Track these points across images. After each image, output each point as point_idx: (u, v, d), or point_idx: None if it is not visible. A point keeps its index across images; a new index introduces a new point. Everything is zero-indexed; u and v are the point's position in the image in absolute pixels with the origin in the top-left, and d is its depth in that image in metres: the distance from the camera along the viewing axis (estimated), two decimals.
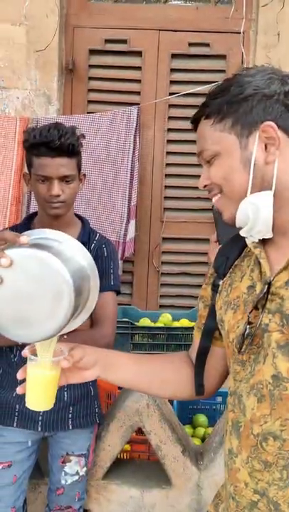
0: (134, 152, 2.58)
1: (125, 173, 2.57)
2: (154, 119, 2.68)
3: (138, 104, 2.60)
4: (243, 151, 0.81)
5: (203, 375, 0.96)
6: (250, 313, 0.81)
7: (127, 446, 1.98)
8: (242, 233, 0.85)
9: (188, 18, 2.61)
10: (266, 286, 0.80)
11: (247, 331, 0.80)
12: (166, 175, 2.71)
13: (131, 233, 2.62)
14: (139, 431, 1.84)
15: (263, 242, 0.87)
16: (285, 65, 2.47)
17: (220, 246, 1.04)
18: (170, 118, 2.66)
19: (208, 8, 2.64)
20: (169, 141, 2.68)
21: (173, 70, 2.64)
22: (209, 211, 2.69)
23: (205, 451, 1.83)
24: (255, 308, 0.81)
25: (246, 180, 0.81)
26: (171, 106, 2.65)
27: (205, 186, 0.88)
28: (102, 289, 1.61)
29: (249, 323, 0.81)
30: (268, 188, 0.80)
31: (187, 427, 2.21)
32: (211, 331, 0.95)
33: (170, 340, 2.40)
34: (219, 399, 2.29)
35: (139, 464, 1.97)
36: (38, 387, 0.85)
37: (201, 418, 2.25)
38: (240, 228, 0.85)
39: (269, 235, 0.83)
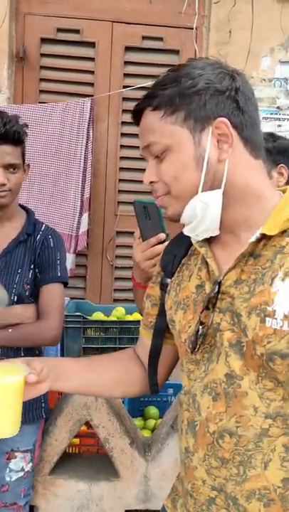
0: (87, 144, 2.55)
1: (78, 166, 2.54)
2: (107, 112, 2.66)
3: (91, 95, 2.58)
4: (196, 146, 0.78)
5: (157, 374, 0.95)
6: (201, 313, 0.80)
7: (76, 440, 1.96)
8: (186, 231, 0.83)
9: (142, 11, 2.61)
10: (216, 286, 0.79)
11: (199, 332, 0.79)
12: (120, 168, 2.70)
13: (84, 226, 2.60)
14: (89, 424, 1.83)
15: (208, 240, 0.86)
16: (236, 62, 2.51)
17: (164, 243, 1.04)
18: (124, 111, 2.65)
19: (162, 2, 2.64)
20: (123, 135, 2.67)
21: (127, 63, 2.63)
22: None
23: (153, 442, 1.84)
24: (206, 308, 0.80)
25: (198, 177, 0.78)
26: (125, 99, 2.64)
27: (151, 183, 0.83)
28: (48, 281, 1.60)
29: (201, 323, 0.80)
30: (218, 186, 0.78)
31: (138, 419, 2.22)
32: (162, 331, 0.94)
33: (123, 334, 2.40)
34: (170, 391, 2.32)
35: (87, 457, 1.96)
36: (7, 410, 0.78)
37: (152, 410, 2.26)
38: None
39: (216, 233, 0.82)
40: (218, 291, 0.79)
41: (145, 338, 1.00)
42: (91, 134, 2.55)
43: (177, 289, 0.89)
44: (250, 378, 0.75)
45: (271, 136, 1.69)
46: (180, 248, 0.94)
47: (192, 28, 2.56)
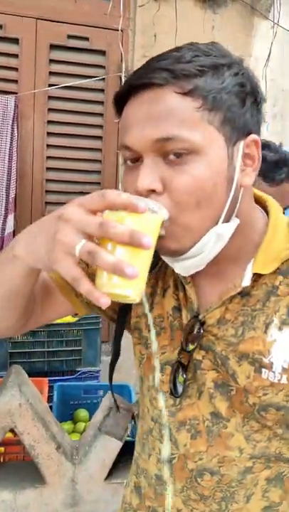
0: (11, 143, 2.48)
1: (2, 165, 2.46)
2: (33, 110, 2.60)
3: (15, 93, 2.51)
4: (229, 162, 0.62)
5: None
6: (180, 353, 0.71)
7: (1, 449, 1.90)
8: (180, 269, 0.67)
9: (67, 9, 2.58)
10: (198, 323, 0.70)
11: (181, 373, 0.71)
12: (47, 168, 2.65)
13: (9, 228, 2.52)
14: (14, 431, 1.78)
15: None
16: None
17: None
18: (50, 110, 2.61)
19: (87, 3, 2.63)
20: (50, 134, 2.63)
21: (52, 61, 2.59)
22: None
23: (81, 445, 1.82)
24: (186, 343, 0.71)
25: (224, 204, 0.62)
26: (50, 98, 2.60)
27: (150, 192, 0.60)
28: None
29: (181, 364, 0.72)
30: (230, 217, 0.64)
31: (68, 423, 2.19)
32: (122, 334, 0.84)
33: (51, 337, 2.36)
34: (100, 392, 2.31)
35: (12, 465, 1.90)
36: (148, 257, 0.56)
37: (82, 413, 2.24)
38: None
39: (201, 269, 0.67)
40: (200, 328, 0.69)
41: (55, 285, 0.80)
42: (16, 132, 2.48)
43: (150, 300, 0.78)
44: (237, 420, 0.70)
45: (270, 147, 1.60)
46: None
47: (118, 30, 2.57)
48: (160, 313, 0.76)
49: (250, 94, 0.63)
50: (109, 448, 1.74)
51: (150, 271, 0.76)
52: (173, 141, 0.59)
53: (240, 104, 0.62)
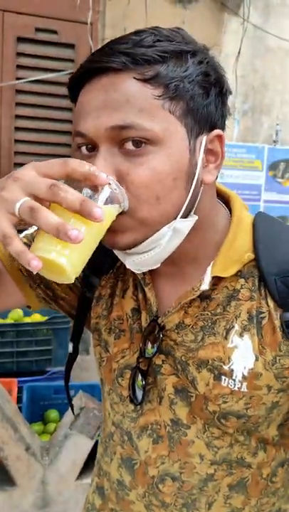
0: None
1: None
2: (0, 105, 2.53)
3: None
4: (191, 156, 0.58)
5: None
6: (140, 359, 0.68)
7: None
8: (131, 264, 0.62)
9: (34, 2, 2.52)
10: (156, 327, 0.66)
11: (140, 378, 0.68)
12: (15, 164, 2.58)
13: None
14: None
15: None
16: None
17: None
18: (18, 104, 2.54)
19: None
20: (18, 129, 2.56)
21: (19, 54, 2.53)
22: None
23: (51, 446, 1.80)
24: (144, 344, 0.68)
25: (183, 199, 0.58)
26: (18, 92, 2.54)
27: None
28: None
29: (140, 369, 0.69)
30: (188, 214, 0.61)
31: (38, 424, 2.16)
32: (80, 335, 0.80)
33: (20, 337, 2.32)
34: (71, 393, 2.28)
35: None
36: (94, 238, 0.53)
37: (53, 414, 2.21)
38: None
39: (156, 267, 0.63)
40: (159, 332, 0.66)
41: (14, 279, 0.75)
42: None
43: (108, 301, 0.74)
44: (198, 427, 0.67)
45: None
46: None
47: (87, 23, 2.52)
48: (119, 315, 0.72)
49: (214, 85, 0.60)
50: (80, 448, 1.72)
51: (109, 271, 0.74)
52: (130, 130, 0.55)
53: (203, 94, 0.58)
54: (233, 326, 0.64)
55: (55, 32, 2.55)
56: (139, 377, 0.69)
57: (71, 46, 2.58)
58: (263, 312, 0.64)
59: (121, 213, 0.56)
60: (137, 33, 0.58)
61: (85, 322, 0.79)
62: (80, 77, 0.59)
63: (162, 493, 0.70)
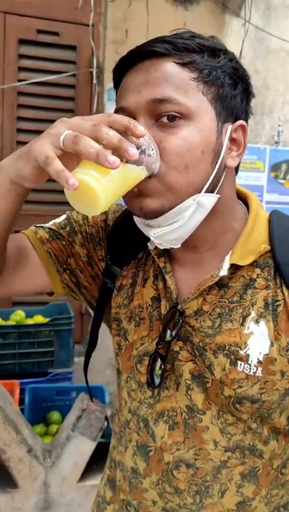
0: None
1: None
2: (2, 106, 2.54)
3: None
4: (218, 137, 0.64)
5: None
6: (159, 344, 0.71)
7: None
8: (155, 235, 0.66)
9: (35, 4, 2.53)
10: (176, 313, 0.69)
11: (159, 364, 0.71)
12: None
13: None
14: None
15: (164, 251, 0.73)
16: None
17: (115, 218, 0.81)
18: (20, 106, 2.55)
19: None
20: (20, 131, 2.57)
21: (21, 56, 2.54)
22: (60, 204, 2.65)
23: (53, 448, 1.79)
24: (163, 333, 0.70)
25: (208, 174, 0.64)
26: (20, 94, 2.54)
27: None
28: None
29: (159, 354, 0.71)
30: (212, 192, 0.66)
31: (40, 426, 2.15)
32: (100, 323, 0.82)
33: (23, 339, 2.32)
34: (74, 394, 2.27)
35: None
36: (126, 182, 0.58)
37: (55, 415, 2.20)
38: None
39: (177, 246, 0.68)
40: (179, 318, 0.69)
41: (30, 245, 0.78)
42: None
43: (129, 290, 0.77)
44: (212, 413, 0.70)
45: None
46: (136, 237, 0.74)
47: (88, 25, 2.53)
48: (140, 303, 0.75)
49: (241, 81, 0.67)
50: (82, 449, 1.72)
51: (130, 262, 0.78)
52: (168, 103, 0.61)
53: (232, 85, 0.66)
54: (250, 313, 0.67)
55: (56, 34, 2.56)
56: (158, 362, 0.71)
57: (72, 48, 2.59)
58: (279, 300, 0.67)
59: (150, 177, 0.62)
60: (177, 32, 0.67)
61: (104, 312, 0.81)
62: (125, 62, 0.66)
63: (176, 479, 0.72)
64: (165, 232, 0.65)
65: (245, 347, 0.67)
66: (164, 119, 0.62)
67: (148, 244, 0.74)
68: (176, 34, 0.66)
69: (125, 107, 0.64)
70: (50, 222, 0.81)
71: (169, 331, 0.70)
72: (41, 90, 2.55)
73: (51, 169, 0.52)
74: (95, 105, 2.59)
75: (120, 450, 0.80)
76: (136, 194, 0.63)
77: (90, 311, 0.90)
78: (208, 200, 0.65)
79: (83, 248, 0.80)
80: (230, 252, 0.69)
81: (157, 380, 0.71)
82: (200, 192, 0.64)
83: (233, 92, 0.66)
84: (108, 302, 0.80)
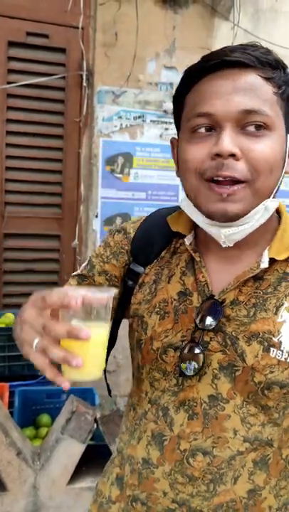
0: None
1: None
2: None
3: None
4: (286, 144, 0.72)
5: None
6: (194, 332, 0.73)
7: None
8: (226, 233, 0.71)
9: (25, 6, 2.52)
10: (215, 302, 0.73)
11: (199, 364, 0.72)
12: (6, 167, 2.58)
13: None
14: None
15: (198, 246, 0.79)
16: (124, 65, 2.54)
17: (140, 220, 0.88)
18: (9, 108, 2.55)
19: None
20: (9, 133, 2.56)
21: (10, 59, 2.53)
22: (54, 206, 2.65)
23: (42, 450, 1.79)
24: (196, 326, 0.73)
25: (279, 178, 0.71)
26: (9, 96, 2.54)
27: (230, 156, 0.66)
28: None
29: (182, 335, 0.75)
30: (273, 196, 0.73)
31: (30, 429, 2.14)
32: (120, 322, 0.87)
33: (12, 341, 2.30)
34: (63, 397, 2.27)
35: None
36: (99, 347, 0.66)
37: (45, 418, 2.20)
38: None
39: (231, 244, 0.73)
40: (219, 306, 0.73)
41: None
42: None
43: (152, 287, 0.81)
44: (236, 402, 0.72)
45: None
46: (160, 237, 0.83)
47: (78, 28, 2.53)
48: (164, 298, 0.78)
49: None
50: (72, 452, 1.72)
51: (153, 260, 0.85)
52: (256, 114, 0.67)
53: None
54: (283, 303, 0.72)
55: (46, 36, 2.56)
56: (195, 349, 0.73)
57: (62, 50, 2.59)
58: None
59: (239, 184, 0.68)
60: (246, 44, 0.72)
61: (126, 308, 0.85)
62: (205, 67, 0.69)
63: (192, 467, 0.74)
64: (233, 233, 0.71)
65: (279, 334, 0.71)
66: (251, 128, 0.67)
67: (185, 240, 0.79)
68: (248, 45, 0.70)
69: (212, 113, 0.68)
70: (82, 267, 0.91)
71: (209, 318, 0.73)
72: (31, 92, 2.55)
73: (47, 376, 0.61)
74: (84, 108, 2.59)
75: (132, 443, 0.82)
76: (221, 199, 0.68)
77: None
78: (272, 205, 0.71)
79: (102, 276, 0.88)
80: (268, 247, 0.74)
81: (191, 373, 0.73)
82: (269, 197, 0.71)
83: None
84: (128, 300, 0.84)
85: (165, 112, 2.71)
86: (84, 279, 0.89)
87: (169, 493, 0.76)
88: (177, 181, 2.84)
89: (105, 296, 0.65)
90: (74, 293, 0.60)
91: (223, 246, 0.74)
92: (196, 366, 0.73)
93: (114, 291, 0.67)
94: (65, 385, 0.61)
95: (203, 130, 0.70)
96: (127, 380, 2.49)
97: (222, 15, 2.73)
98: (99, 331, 0.65)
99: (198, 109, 0.69)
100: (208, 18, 2.73)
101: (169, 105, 2.70)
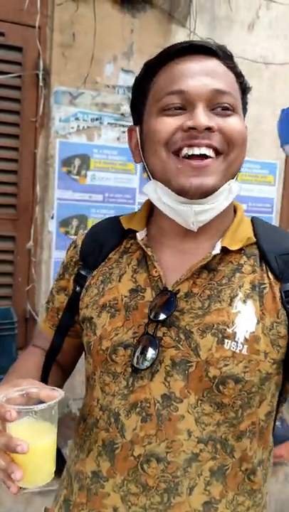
0: None
1: None
2: None
3: None
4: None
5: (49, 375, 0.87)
6: (147, 325, 0.72)
7: None
8: (197, 209, 0.72)
9: None
10: (169, 294, 0.72)
11: (151, 354, 0.71)
12: None
13: None
14: None
15: (150, 241, 0.79)
16: (81, 66, 2.53)
17: (89, 228, 0.89)
18: None
19: None
20: None
21: None
22: (9, 207, 2.60)
23: None
24: (150, 319, 0.72)
25: (243, 159, 0.77)
26: None
27: (206, 130, 0.70)
28: None
29: (134, 332, 0.73)
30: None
31: None
32: (66, 328, 0.86)
33: None
34: None
35: None
36: (47, 455, 0.69)
37: None
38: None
39: (195, 229, 0.75)
40: (174, 298, 0.72)
41: (50, 336, 0.91)
42: None
43: (101, 287, 0.80)
44: (190, 401, 0.70)
45: None
46: (110, 238, 0.83)
47: (35, 27, 2.50)
48: (114, 297, 0.78)
49: (247, 89, 0.81)
50: None
51: (100, 263, 0.83)
52: (227, 95, 0.72)
53: (245, 93, 0.80)
54: (237, 294, 0.72)
55: (2, 34, 2.51)
56: (150, 346, 0.71)
57: (18, 49, 2.55)
58: (264, 283, 0.73)
59: (219, 154, 0.71)
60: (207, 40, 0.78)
61: (74, 314, 0.84)
62: (175, 50, 0.74)
63: (146, 474, 0.71)
64: (203, 210, 0.72)
65: (233, 325, 0.70)
66: (219, 110, 0.72)
67: (137, 234, 0.79)
68: (207, 40, 0.77)
69: (185, 90, 0.71)
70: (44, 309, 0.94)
71: (162, 313, 0.72)
72: None
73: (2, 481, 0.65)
74: (41, 108, 2.56)
75: (81, 457, 0.79)
76: (195, 173, 0.70)
77: (36, 317, 0.98)
78: (235, 188, 0.74)
79: (60, 293, 0.90)
80: (221, 238, 0.76)
81: (147, 364, 0.71)
82: (234, 177, 0.74)
83: (246, 98, 0.80)
84: (76, 307, 0.84)
85: (122, 114, 2.72)
86: (48, 305, 0.93)
87: (120, 509, 0.73)
88: (134, 184, 2.87)
89: (55, 393, 0.67)
90: (7, 406, 0.62)
91: (190, 228, 0.74)
92: (152, 356, 0.71)
93: (62, 394, 0.68)
94: (13, 489, 0.64)
95: (173, 109, 0.73)
96: (81, 382, 2.47)
97: (179, 21, 2.77)
98: (48, 438, 0.68)
99: (171, 87, 0.72)
100: (166, 23, 2.76)
101: (127, 108, 2.71)
